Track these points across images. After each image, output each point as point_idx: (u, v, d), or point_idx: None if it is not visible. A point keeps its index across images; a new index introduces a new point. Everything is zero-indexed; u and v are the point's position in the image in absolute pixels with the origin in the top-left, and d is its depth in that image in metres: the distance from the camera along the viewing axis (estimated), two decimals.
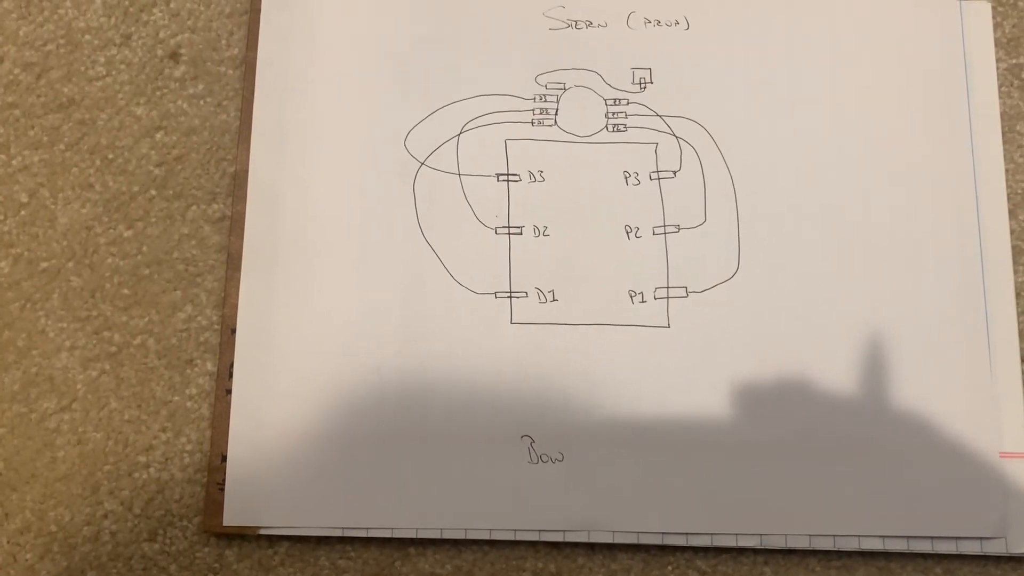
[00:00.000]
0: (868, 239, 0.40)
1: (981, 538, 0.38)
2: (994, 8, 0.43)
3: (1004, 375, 0.39)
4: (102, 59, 0.43)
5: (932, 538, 0.38)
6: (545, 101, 0.41)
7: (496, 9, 0.42)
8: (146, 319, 0.40)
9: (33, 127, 0.42)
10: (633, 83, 0.42)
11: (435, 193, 0.41)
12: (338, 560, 0.38)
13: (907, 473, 0.38)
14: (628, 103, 0.41)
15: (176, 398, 0.40)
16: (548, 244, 0.40)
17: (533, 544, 0.38)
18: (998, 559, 0.38)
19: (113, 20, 0.43)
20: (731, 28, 0.42)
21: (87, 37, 0.43)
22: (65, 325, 0.40)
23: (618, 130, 0.41)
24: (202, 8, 0.43)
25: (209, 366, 0.40)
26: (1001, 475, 0.38)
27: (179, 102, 0.43)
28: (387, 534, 0.38)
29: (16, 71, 0.43)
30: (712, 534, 0.38)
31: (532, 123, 0.41)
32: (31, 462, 0.39)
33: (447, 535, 0.38)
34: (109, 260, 0.41)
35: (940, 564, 0.38)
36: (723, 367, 0.39)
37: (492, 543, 0.38)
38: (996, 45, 0.42)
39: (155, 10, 0.43)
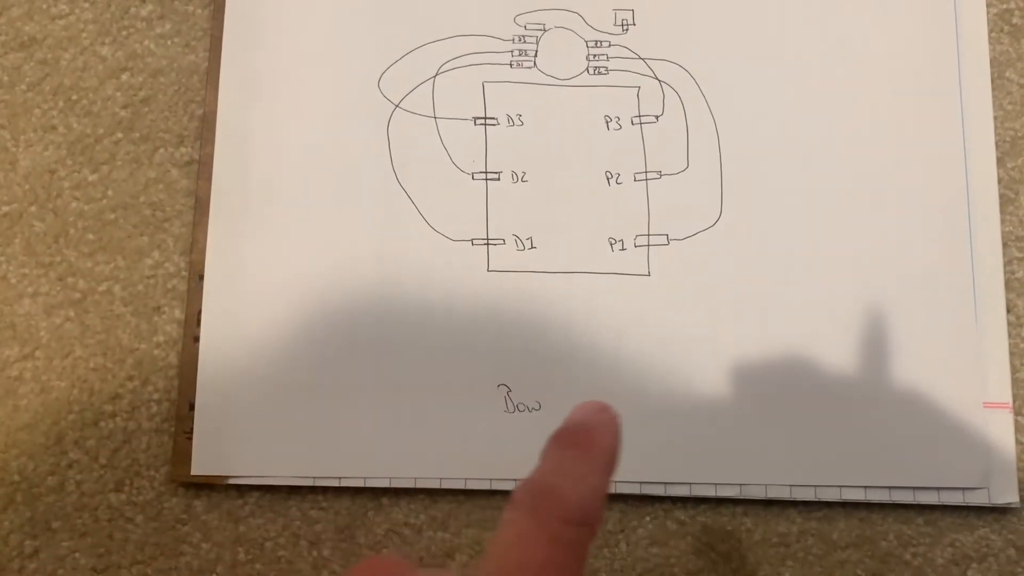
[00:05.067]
0: (853, 186, 0.39)
1: (963, 488, 0.37)
2: None
3: (989, 325, 0.38)
4: None
5: (914, 488, 0.37)
6: (524, 42, 0.40)
7: None
8: (112, 265, 0.39)
9: None
10: (615, 25, 0.40)
11: (410, 137, 0.39)
12: (309, 510, 0.38)
13: (890, 423, 0.37)
14: (610, 45, 0.40)
15: (143, 346, 0.39)
16: (526, 190, 0.39)
17: (509, 494, 0.37)
18: (980, 509, 0.38)
19: None
20: None
21: None
22: (28, 271, 0.39)
23: (599, 73, 0.40)
24: None
25: (177, 313, 0.39)
26: (984, 426, 0.37)
27: (146, 42, 0.41)
28: (359, 483, 0.37)
29: None
30: (691, 484, 0.37)
31: (511, 65, 0.40)
32: None
33: (421, 484, 0.37)
34: (73, 205, 0.40)
35: (922, 515, 0.38)
36: (704, 316, 0.38)
37: (467, 493, 0.38)
38: None
39: None
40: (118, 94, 0.41)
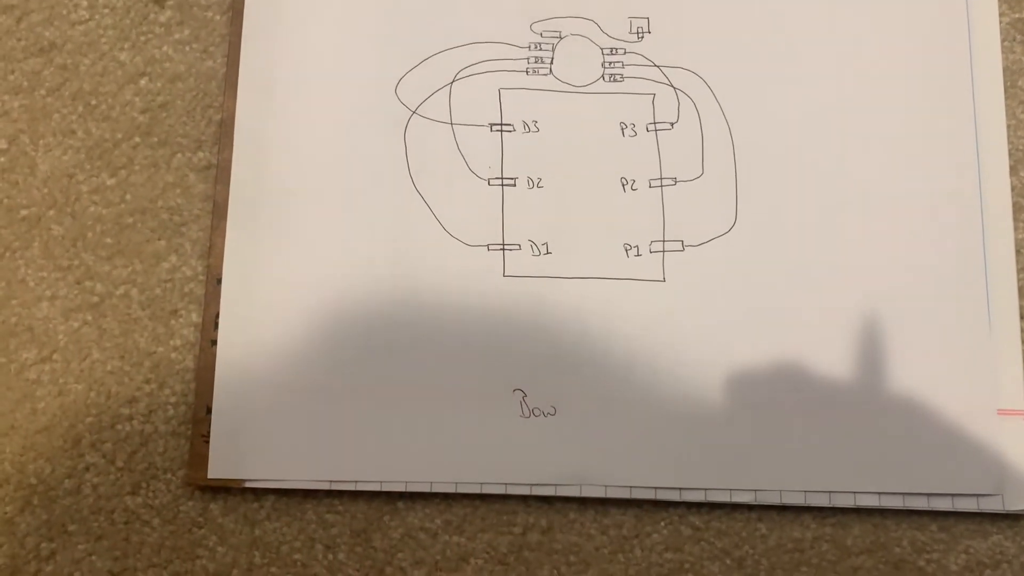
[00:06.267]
0: (867, 193, 0.39)
1: (977, 495, 0.37)
2: None
3: (1003, 332, 0.39)
4: (85, 3, 0.42)
5: (928, 495, 0.37)
6: (540, 49, 0.41)
7: None
8: (129, 269, 0.39)
9: (13, 71, 0.41)
10: (631, 32, 0.41)
11: (427, 143, 0.40)
12: (325, 514, 0.38)
13: (904, 430, 0.37)
14: (625, 53, 0.41)
15: (160, 349, 0.39)
16: (542, 196, 0.39)
17: (524, 498, 0.38)
18: (994, 516, 0.38)
19: None
20: None
21: None
22: (46, 274, 0.39)
23: (615, 80, 0.40)
24: None
25: (194, 317, 0.39)
26: (998, 433, 0.37)
27: (164, 48, 0.41)
28: (375, 487, 0.37)
29: None
30: (706, 489, 0.37)
31: (527, 72, 0.40)
32: (10, 413, 0.38)
33: (437, 489, 0.37)
34: (91, 208, 0.40)
35: (936, 521, 0.38)
36: (719, 321, 0.38)
37: (483, 497, 0.38)
38: None
39: None
40: (136, 99, 0.41)
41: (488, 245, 0.39)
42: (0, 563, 0.37)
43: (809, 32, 0.41)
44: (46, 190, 0.40)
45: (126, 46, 0.41)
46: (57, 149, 0.40)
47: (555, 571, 0.37)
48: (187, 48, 0.41)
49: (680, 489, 0.37)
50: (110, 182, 0.40)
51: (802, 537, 0.38)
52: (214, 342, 0.38)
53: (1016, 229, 0.40)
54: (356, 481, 0.37)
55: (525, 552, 0.37)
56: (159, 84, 0.41)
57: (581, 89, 0.40)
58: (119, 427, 0.38)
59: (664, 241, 0.39)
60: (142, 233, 0.40)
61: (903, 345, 0.38)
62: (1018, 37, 0.41)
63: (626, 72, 0.40)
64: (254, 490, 0.38)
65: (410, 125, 0.40)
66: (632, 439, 0.37)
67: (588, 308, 0.38)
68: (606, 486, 0.37)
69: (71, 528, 0.38)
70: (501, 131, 0.40)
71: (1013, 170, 0.40)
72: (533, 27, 0.41)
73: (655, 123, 0.40)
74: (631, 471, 0.37)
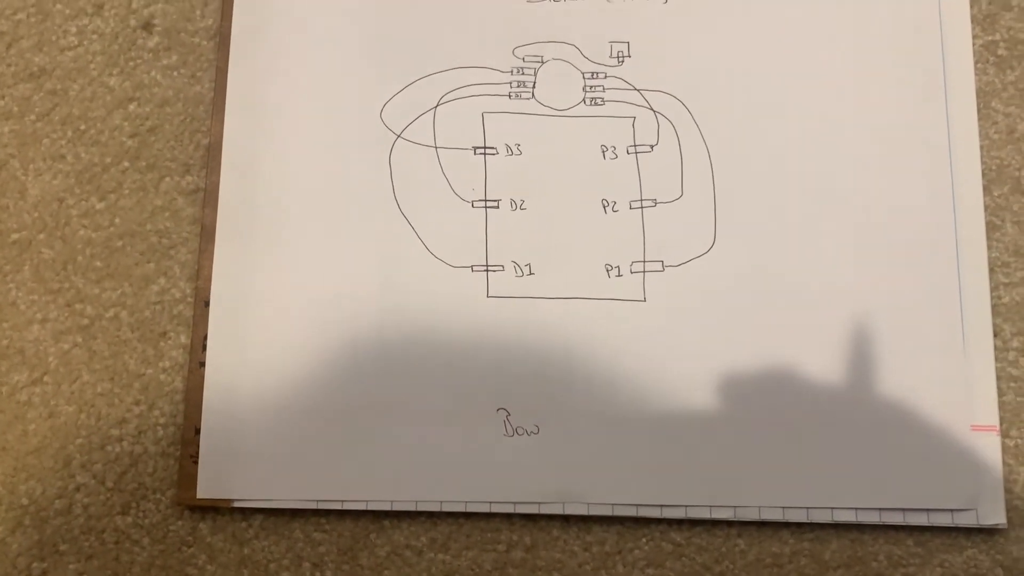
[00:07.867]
0: (843, 213, 0.40)
1: (952, 510, 0.38)
2: None
3: (976, 349, 0.39)
4: (74, 28, 0.42)
5: (904, 510, 0.38)
6: (523, 74, 0.41)
7: None
8: (119, 292, 0.40)
9: (3, 97, 0.42)
10: (611, 57, 0.41)
11: (411, 166, 0.40)
12: (313, 532, 0.38)
13: (880, 446, 0.38)
14: (606, 77, 0.41)
15: (149, 371, 0.39)
16: (525, 218, 0.40)
17: (508, 516, 0.38)
18: (968, 531, 0.38)
19: None
20: (709, 2, 0.42)
21: (58, 6, 0.42)
22: (36, 297, 0.40)
23: (596, 104, 0.41)
24: None
25: (183, 339, 0.40)
26: (972, 448, 0.38)
27: (152, 73, 0.42)
28: (362, 506, 0.38)
29: None
30: (686, 506, 0.38)
31: (509, 96, 0.41)
32: (1, 435, 0.39)
33: (422, 507, 0.38)
34: (81, 232, 0.41)
35: (912, 536, 0.38)
36: (699, 341, 0.39)
37: (467, 515, 0.38)
38: (972, 22, 0.42)
39: None
40: (125, 124, 0.41)
41: (472, 266, 0.40)
42: None
43: (786, 55, 0.41)
44: (36, 214, 0.41)
45: (115, 71, 0.42)
46: (47, 173, 0.41)
47: None
48: (175, 73, 0.42)
49: (661, 506, 0.38)
50: (99, 206, 0.41)
51: (781, 552, 0.38)
52: (202, 363, 0.39)
53: (989, 248, 0.40)
54: (343, 500, 0.38)
55: (509, 569, 0.38)
56: (147, 109, 0.42)
57: (563, 113, 0.41)
58: (109, 448, 0.39)
59: (645, 262, 0.40)
60: (131, 256, 0.40)
61: (879, 362, 0.39)
62: (990, 59, 0.42)
63: (607, 96, 0.41)
64: (243, 509, 0.38)
65: (395, 149, 0.41)
66: (614, 457, 0.38)
67: (570, 328, 0.39)
68: (588, 503, 0.38)
69: (62, 548, 0.38)
70: (484, 154, 0.41)
71: (986, 189, 0.41)
72: (515, 52, 0.41)
73: (635, 145, 0.41)
74: (613, 488, 0.38)
